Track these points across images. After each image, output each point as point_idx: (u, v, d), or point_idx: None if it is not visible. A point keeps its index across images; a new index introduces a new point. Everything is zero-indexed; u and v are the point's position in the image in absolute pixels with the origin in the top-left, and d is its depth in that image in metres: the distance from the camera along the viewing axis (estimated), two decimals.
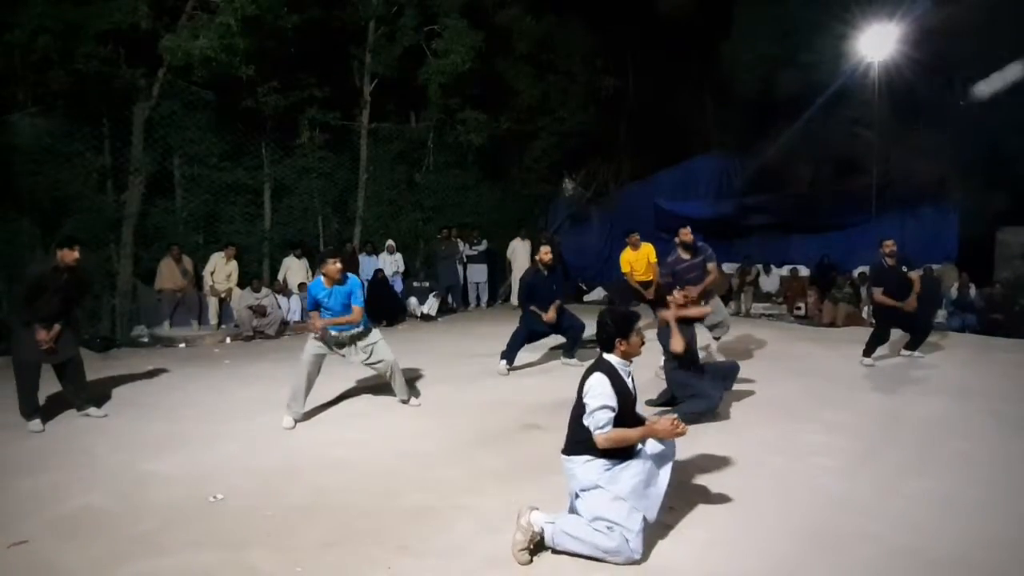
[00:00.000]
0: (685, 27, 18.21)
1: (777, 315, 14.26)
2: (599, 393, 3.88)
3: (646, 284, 10.14)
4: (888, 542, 3.97)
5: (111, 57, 10.60)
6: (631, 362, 4.14)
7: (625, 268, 10.37)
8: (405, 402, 7.18)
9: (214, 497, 4.68)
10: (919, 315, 9.09)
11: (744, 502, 4.55)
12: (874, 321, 9.69)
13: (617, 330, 4.06)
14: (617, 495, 3.82)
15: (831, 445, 5.69)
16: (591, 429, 3.86)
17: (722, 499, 4.61)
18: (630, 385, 4.07)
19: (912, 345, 9.24)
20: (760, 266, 15.67)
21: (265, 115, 13.10)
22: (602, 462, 3.89)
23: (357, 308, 6.82)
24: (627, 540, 3.75)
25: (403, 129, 15.92)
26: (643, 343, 4.14)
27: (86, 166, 11.00)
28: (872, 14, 15.55)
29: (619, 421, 3.90)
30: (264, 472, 5.19)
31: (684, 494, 4.65)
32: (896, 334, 9.10)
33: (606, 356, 4.09)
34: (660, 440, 4.06)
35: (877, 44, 15.52)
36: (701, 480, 4.94)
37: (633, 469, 3.91)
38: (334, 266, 6.71)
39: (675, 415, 4.11)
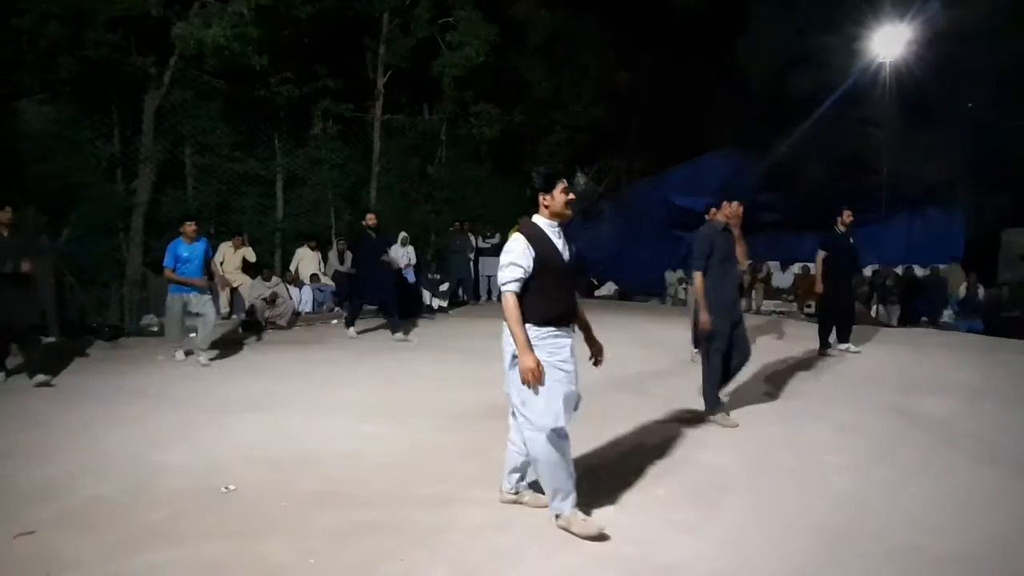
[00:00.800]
0: (698, 24, 18.12)
1: (787, 312, 14.16)
2: (509, 251, 3.88)
3: None
4: (896, 540, 3.96)
5: (121, 44, 10.56)
6: (558, 223, 4.02)
7: None
8: (198, 358, 8.68)
9: (225, 488, 4.59)
10: (846, 300, 9.63)
11: (754, 500, 4.52)
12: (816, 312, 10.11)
13: (541, 184, 3.99)
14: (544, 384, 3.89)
15: (840, 443, 5.65)
16: (499, 285, 3.92)
17: (732, 497, 4.57)
18: (559, 246, 3.97)
19: (844, 336, 9.52)
20: (777, 263, 15.58)
21: (278, 105, 13.06)
22: (531, 331, 3.89)
23: (211, 260, 9.01)
24: (550, 405, 3.86)
25: (416, 121, 15.89)
26: (568, 201, 3.98)
27: (95, 154, 10.96)
28: (884, 15, 15.49)
29: (550, 282, 3.90)
30: (276, 463, 5.10)
31: (694, 491, 4.63)
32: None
33: (533, 218, 4.02)
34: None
35: (889, 44, 15.47)
36: (711, 477, 4.90)
37: (550, 351, 3.93)
38: (190, 227, 8.59)
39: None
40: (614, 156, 19.98)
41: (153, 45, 10.93)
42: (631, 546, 3.84)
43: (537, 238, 3.92)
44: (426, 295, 13.66)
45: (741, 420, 6.23)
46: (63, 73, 10.32)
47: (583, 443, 5.56)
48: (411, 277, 14.03)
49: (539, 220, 4.00)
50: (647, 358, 9.12)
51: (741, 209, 8.32)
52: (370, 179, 14.94)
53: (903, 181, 15.62)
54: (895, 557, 3.76)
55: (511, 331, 3.87)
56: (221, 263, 11.96)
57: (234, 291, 11.96)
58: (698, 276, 6.14)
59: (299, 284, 12.50)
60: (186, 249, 8.54)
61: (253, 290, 11.41)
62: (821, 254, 9.41)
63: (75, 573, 3.52)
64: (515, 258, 3.85)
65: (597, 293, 17.18)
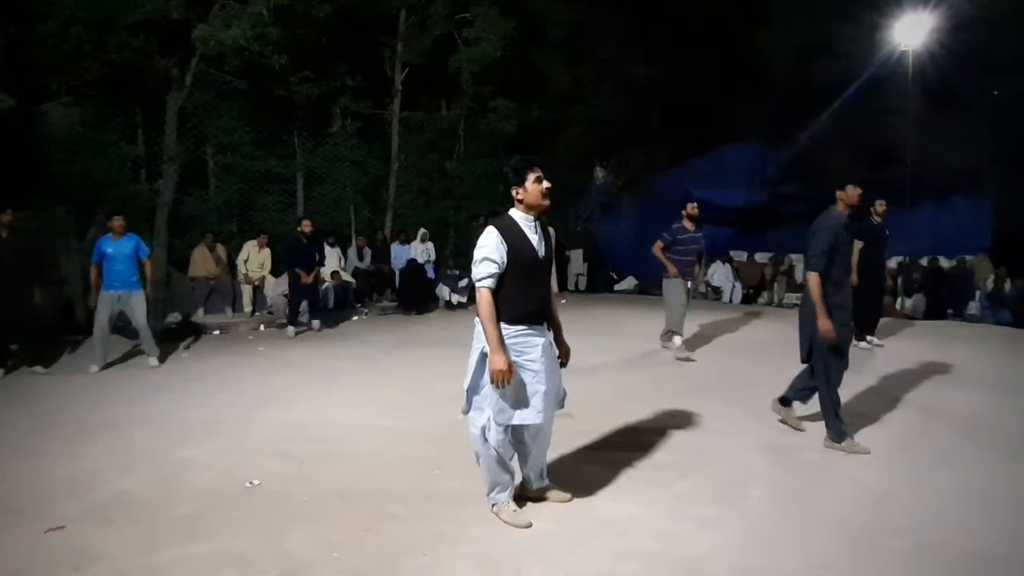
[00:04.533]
0: (719, 14, 17.99)
1: None
2: (482, 245, 3.75)
3: None
4: (920, 535, 3.93)
5: (144, 47, 10.66)
6: (535, 216, 3.88)
7: None
8: (149, 360, 8.41)
9: (250, 483, 4.66)
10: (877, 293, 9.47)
11: (777, 495, 4.51)
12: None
13: (512, 177, 3.83)
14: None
15: (864, 438, 5.57)
16: (474, 281, 3.81)
17: (755, 491, 4.55)
18: (535, 242, 3.84)
19: (869, 329, 9.38)
20: (800, 255, 15.45)
21: (298, 104, 13.15)
22: (502, 329, 3.78)
23: (147, 260, 8.49)
24: (487, 428, 3.89)
25: (434, 118, 15.93)
26: (544, 193, 3.81)
27: (120, 155, 11.09)
28: (907, 2, 15.34)
29: (522, 278, 3.79)
30: (300, 458, 5.16)
31: (717, 486, 4.63)
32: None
33: (510, 211, 3.89)
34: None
35: (912, 33, 15.32)
36: (733, 472, 4.89)
37: (519, 350, 3.85)
38: (117, 222, 8.15)
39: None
40: (633, 149, 19.88)
41: (175, 47, 11.03)
42: (653, 540, 3.85)
43: (510, 231, 3.79)
44: (445, 291, 13.71)
45: (765, 414, 6.15)
46: (88, 76, 10.47)
47: (605, 438, 5.58)
48: (431, 273, 14.09)
49: (515, 213, 3.87)
50: (666, 355, 9.09)
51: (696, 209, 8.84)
52: (389, 176, 15.00)
53: (928, 171, 15.43)
54: (919, 553, 3.74)
55: (484, 329, 3.75)
56: (245, 261, 12.05)
57: (257, 289, 12.06)
58: (814, 278, 5.16)
59: (320, 281, 12.58)
60: (111, 245, 8.07)
61: (276, 288, 11.50)
62: (858, 244, 8.74)
63: (104, 566, 3.58)
64: (488, 252, 3.72)
65: (617, 287, 17.13)
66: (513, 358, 3.77)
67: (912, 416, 6.26)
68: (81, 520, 4.12)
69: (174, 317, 11.24)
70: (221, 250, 11.87)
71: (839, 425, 5.31)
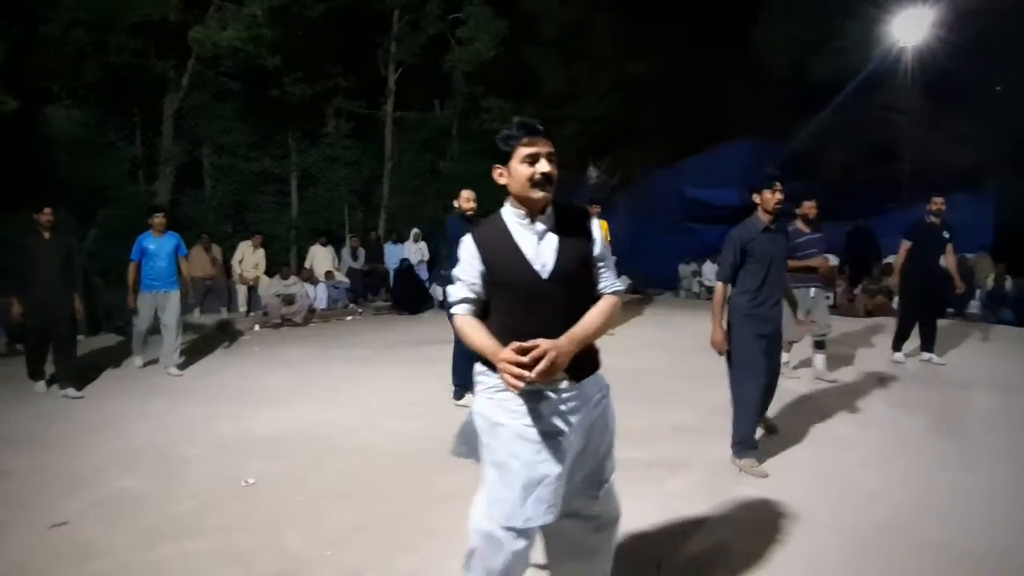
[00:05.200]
0: (715, 10, 18.00)
1: None
2: (459, 258, 2.62)
3: None
4: (921, 535, 3.90)
5: (142, 49, 10.76)
6: (530, 213, 2.56)
7: None
8: (167, 369, 8.12)
9: (246, 481, 4.75)
10: (934, 302, 8.47)
11: (772, 494, 4.46)
12: (899, 308, 9.15)
13: (498, 151, 2.57)
14: (494, 458, 2.59)
15: (863, 438, 5.60)
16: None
17: (750, 491, 4.52)
18: (531, 252, 2.52)
19: (926, 344, 8.37)
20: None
21: (292, 105, 13.23)
22: (491, 382, 2.53)
23: (184, 259, 8.41)
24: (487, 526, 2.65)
25: (428, 117, 15.99)
26: (535, 179, 2.49)
27: (119, 156, 11.18)
28: None
29: (511, 307, 2.54)
30: (295, 457, 5.27)
31: (708, 486, 4.61)
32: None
33: (503, 208, 2.63)
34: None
35: (911, 28, 15.27)
36: (725, 472, 4.88)
37: (513, 411, 2.51)
38: (158, 219, 8.13)
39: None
40: (628, 148, 19.89)
41: (172, 49, 11.13)
42: (647, 541, 3.82)
43: (491, 240, 2.57)
44: (439, 290, 13.80)
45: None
46: (88, 78, 10.56)
47: None
48: (424, 272, 14.17)
49: (506, 211, 2.61)
50: (659, 353, 9.15)
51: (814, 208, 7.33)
52: (382, 176, 15.09)
53: (928, 168, 15.32)
54: (919, 553, 3.70)
55: (474, 347, 2.52)
56: (240, 261, 12.14)
57: (252, 289, 12.15)
58: (717, 287, 5.11)
59: (314, 281, 12.67)
60: (153, 242, 8.05)
61: (270, 288, 11.59)
62: (905, 244, 8.21)
63: (107, 561, 3.68)
64: (458, 270, 2.61)
65: None
66: (507, 422, 2.52)
67: (912, 415, 6.25)
68: (84, 515, 4.23)
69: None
70: (216, 250, 11.95)
71: (741, 442, 4.91)
